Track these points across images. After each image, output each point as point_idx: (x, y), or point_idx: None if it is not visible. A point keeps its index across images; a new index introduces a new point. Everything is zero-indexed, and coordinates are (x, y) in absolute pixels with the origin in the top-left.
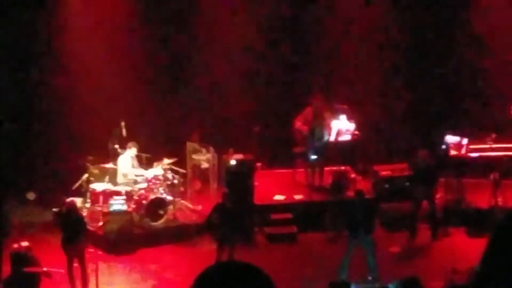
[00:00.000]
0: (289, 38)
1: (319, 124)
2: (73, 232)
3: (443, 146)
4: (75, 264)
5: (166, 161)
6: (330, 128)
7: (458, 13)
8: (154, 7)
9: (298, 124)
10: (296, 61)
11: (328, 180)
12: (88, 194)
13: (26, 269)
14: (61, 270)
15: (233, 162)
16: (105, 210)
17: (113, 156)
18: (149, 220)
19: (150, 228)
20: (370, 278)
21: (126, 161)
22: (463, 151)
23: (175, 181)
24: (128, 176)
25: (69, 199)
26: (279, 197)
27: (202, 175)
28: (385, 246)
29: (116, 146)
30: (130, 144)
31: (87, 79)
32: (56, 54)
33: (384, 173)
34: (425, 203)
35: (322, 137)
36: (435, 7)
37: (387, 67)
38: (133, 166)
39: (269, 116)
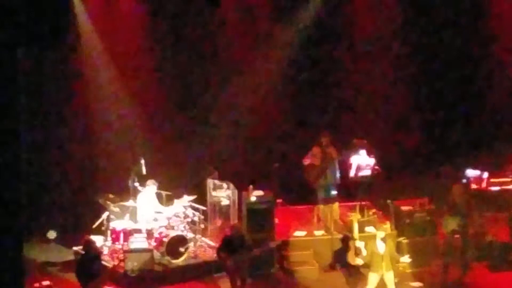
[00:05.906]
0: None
1: (330, 163)
2: (90, 270)
3: (464, 180)
4: None
5: (186, 198)
6: (342, 164)
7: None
8: (174, 44)
9: (308, 161)
10: (317, 97)
11: (347, 215)
12: (109, 233)
13: None
14: None
15: (253, 198)
16: (126, 248)
17: (133, 194)
18: (170, 258)
19: (171, 265)
20: None
21: (146, 199)
22: (484, 184)
23: (196, 218)
24: (149, 214)
25: (86, 237)
26: (299, 233)
27: (222, 212)
28: (407, 281)
29: (136, 183)
30: (149, 181)
31: (106, 118)
32: (75, 92)
33: (404, 208)
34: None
35: (334, 174)
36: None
37: (406, 100)
38: (153, 204)
39: (288, 152)
